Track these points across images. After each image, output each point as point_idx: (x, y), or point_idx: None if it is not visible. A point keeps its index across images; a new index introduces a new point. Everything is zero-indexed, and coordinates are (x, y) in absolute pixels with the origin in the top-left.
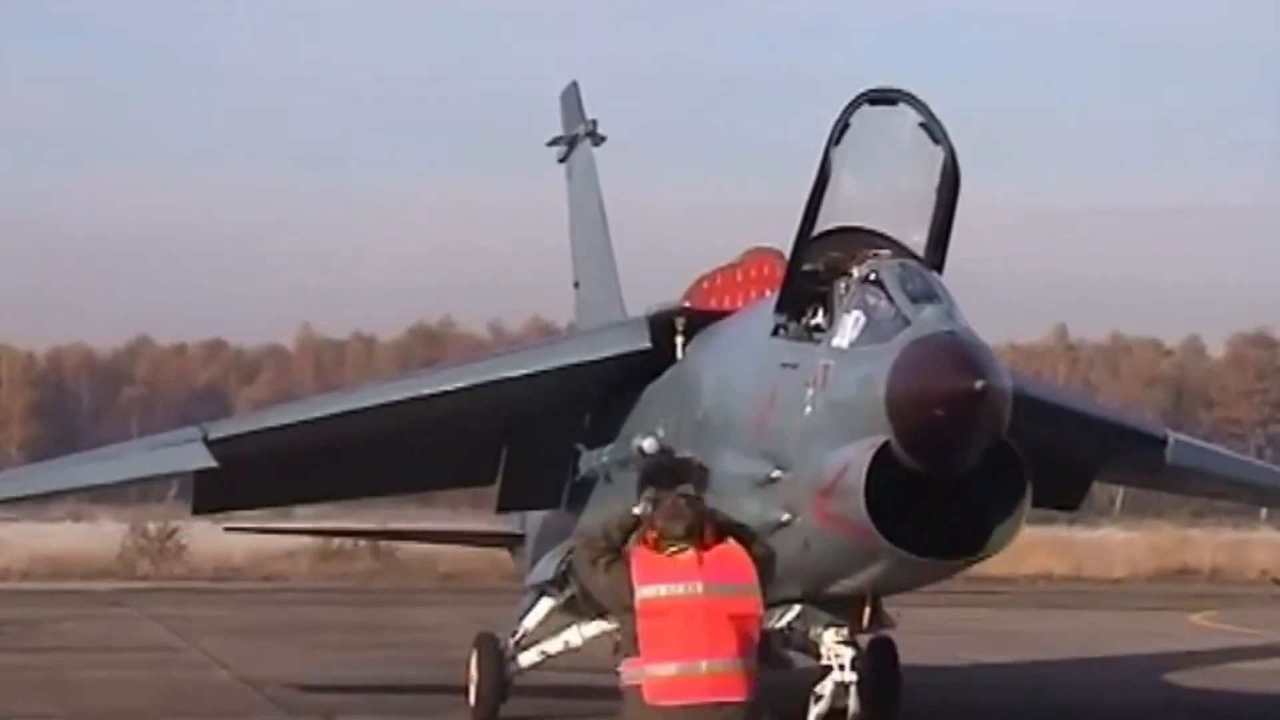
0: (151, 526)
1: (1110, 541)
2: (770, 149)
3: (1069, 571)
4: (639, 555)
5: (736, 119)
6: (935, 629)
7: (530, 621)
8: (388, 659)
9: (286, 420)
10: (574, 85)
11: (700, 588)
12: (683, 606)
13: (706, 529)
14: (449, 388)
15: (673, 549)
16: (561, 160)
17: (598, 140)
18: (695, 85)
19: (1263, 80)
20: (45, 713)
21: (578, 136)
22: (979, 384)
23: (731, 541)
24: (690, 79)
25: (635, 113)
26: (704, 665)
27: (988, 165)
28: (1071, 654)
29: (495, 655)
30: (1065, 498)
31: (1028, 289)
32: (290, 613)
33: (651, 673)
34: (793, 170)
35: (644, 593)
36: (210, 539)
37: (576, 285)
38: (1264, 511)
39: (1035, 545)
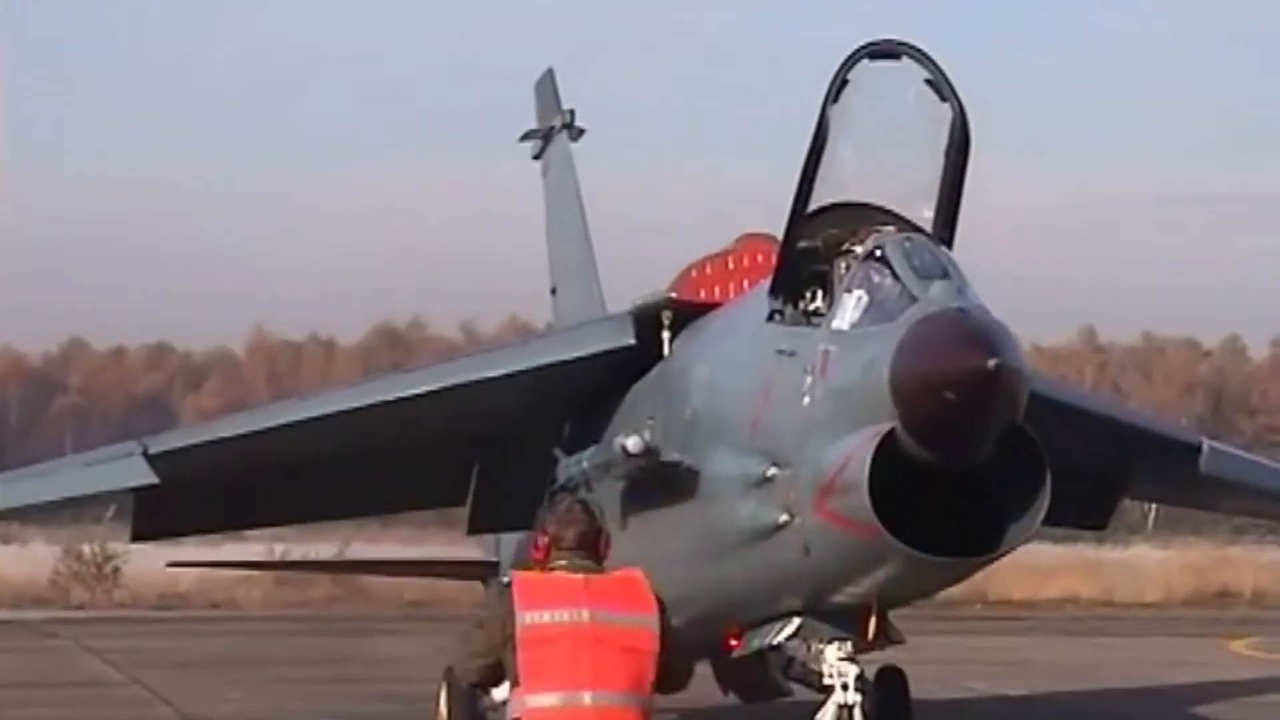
0: (87, 549)
1: (1142, 561)
2: (765, 132)
3: (1097, 595)
4: (520, 581)
5: (725, 102)
6: (949, 658)
7: None
8: (349, 694)
9: (236, 431)
10: (550, 73)
11: (586, 615)
12: (567, 634)
13: (600, 540)
14: (416, 392)
15: (561, 564)
16: (536, 157)
17: (575, 134)
18: (683, 65)
19: None
20: None
21: (554, 129)
22: (992, 363)
23: (636, 570)
24: (678, 58)
25: (616, 97)
26: (587, 697)
27: (1007, 148)
28: (1099, 685)
29: (466, 689)
30: (1092, 515)
31: (1052, 285)
32: (242, 644)
33: (532, 704)
34: (788, 158)
35: (525, 619)
36: (153, 563)
37: (554, 292)
38: None
39: (1060, 566)
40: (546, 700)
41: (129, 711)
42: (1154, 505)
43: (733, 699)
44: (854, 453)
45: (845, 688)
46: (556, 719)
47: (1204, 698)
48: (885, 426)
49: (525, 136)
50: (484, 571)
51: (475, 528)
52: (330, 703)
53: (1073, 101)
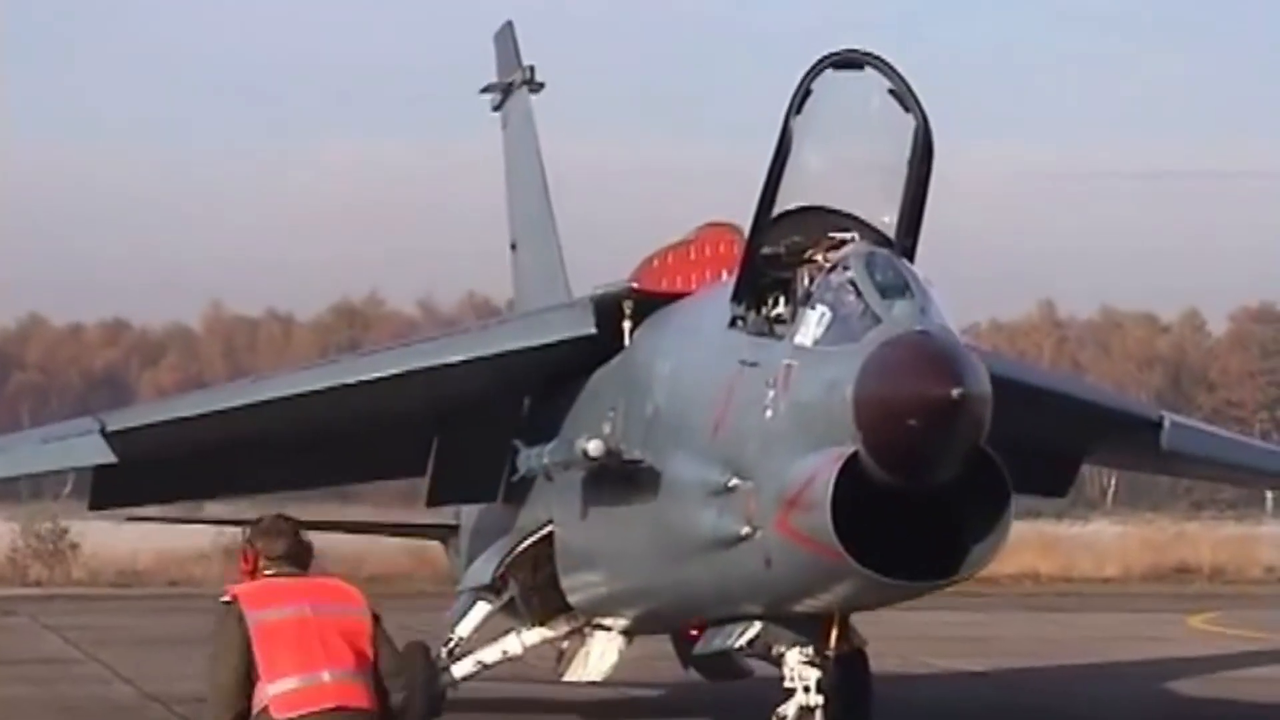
0: (43, 527)
1: (1102, 537)
2: (729, 104)
3: (1056, 570)
4: (242, 591)
5: (689, 70)
6: (909, 634)
7: (465, 628)
8: None
9: (194, 411)
10: (509, 26)
11: (308, 609)
12: (294, 626)
13: (306, 551)
14: (375, 375)
15: (270, 573)
16: (496, 109)
17: (535, 87)
18: (645, 32)
19: (1269, 37)
20: None
21: (513, 84)
22: (956, 391)
23: (335, 577)
24: (640, 25)
25: (577, 60)
26: (326, 675)
27: (966, 121)
28: (1059, 661)
29: (427, 666)
30: (1052, 484)
31: (1010, 260)
32: (201, 621)
33: (274, 690)
34: (754, 125)
35: (254, 619)
36: (111, 540)
37: (514, 247)
38: (1269, 503)
39: (1019, 542)
40: (288, 684)
41: (88, 689)
42: (1113, 481)
43: (693, 675)
44: (817, 473)
45: (807, 690)
46: (301, 698)
47: (1163, 673)
48: (848, 449)
49: (485, 89)
50: (444, 533)
51: (434, 500)
52: None
53: (1033, 76)
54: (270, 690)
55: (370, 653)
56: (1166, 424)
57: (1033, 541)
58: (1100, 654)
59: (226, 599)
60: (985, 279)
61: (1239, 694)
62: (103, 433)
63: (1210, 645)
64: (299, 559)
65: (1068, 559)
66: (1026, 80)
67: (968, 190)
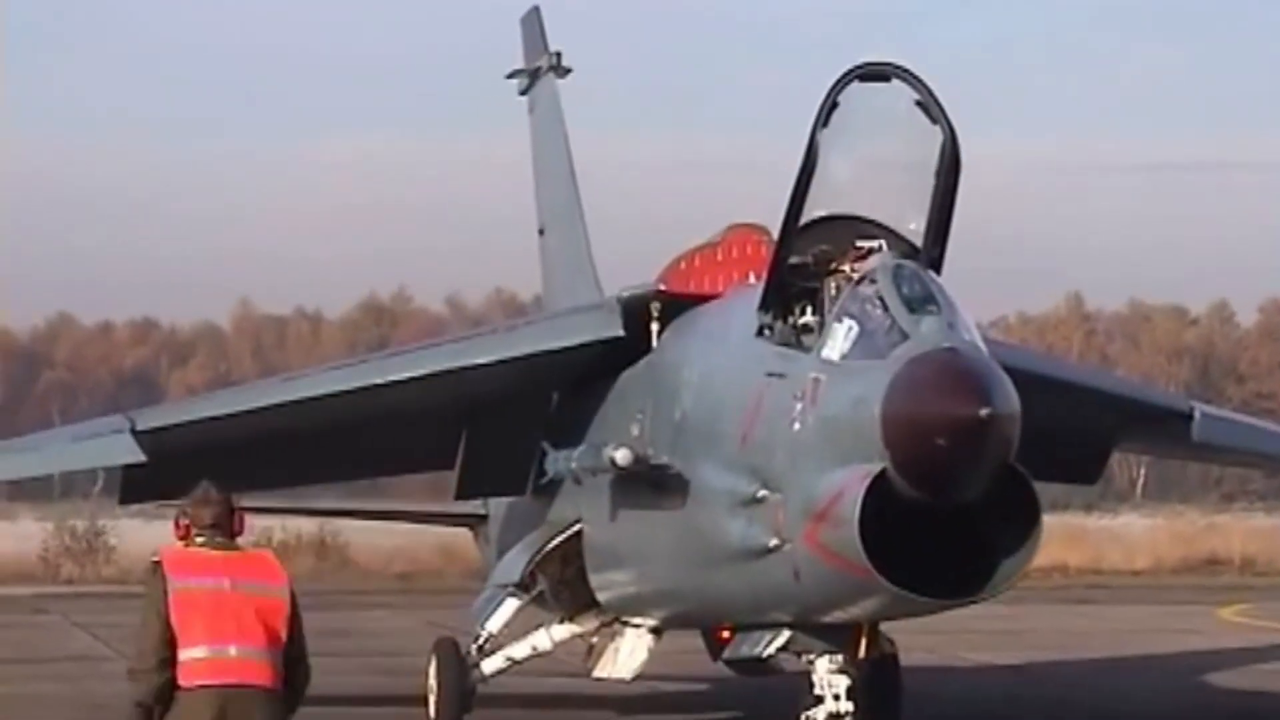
0: (77, 525)
1: (1131, 529)
2: (758, 95)
3: (1085, 563)
4: (168, 556)
5: (718, 64)
6: (939, 628)
7: (494, 624)
8: (338, 667)
9: (223, 410)
10: (535, 10)
11: (227, 583)
12: (211, 598)
13: (234, 518)
14: (402, 376)
15: (200, 541)
16: (523, 93)
17: (562, 72)
18: (675, 25)
19: None
20: None
21: (540, 69)
22: (984, 411)
23: (266, 550)
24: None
25: (605, 49)
26: (233, 650)
27: (993, 113)
28: (1088, 654)
29: (456, 662)
30: (1082, 471)
31: (1038, 252)
32: None
33: (184, 656)
34: (782, 118)
35: (175, 585)
36: (142, 538)
37: (541, 232)
38: None
39: (1048, 534)
40: (197, 653)
41: (117, 687)
42: (1143, 473)
43: (723, 669)
44: (845, 489)
45: (837, 698)
46: (205, 668)
47: (1194, 666)
48: (876, 466)
49: (512, 74)
50: (473, 522)
51: (463, 493)
52: (319, 676)
53: (1061, 68)
54: (181, 656)
55: (284, 632)
56: (1197, 415)
57: (1062, 534)
58: (1130, 646)
59: (155, 559)
60: (1013, 272)
61: (1270, 686)
62: (133, 431)
63: (1241, 637)
64: (227, 528)
65: (1097, 551)
66: (1056, 72)
67: (995, 183)
